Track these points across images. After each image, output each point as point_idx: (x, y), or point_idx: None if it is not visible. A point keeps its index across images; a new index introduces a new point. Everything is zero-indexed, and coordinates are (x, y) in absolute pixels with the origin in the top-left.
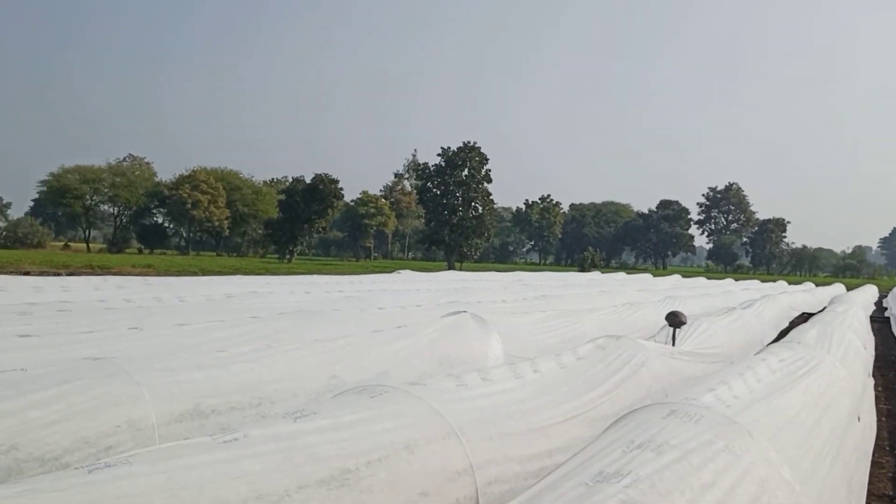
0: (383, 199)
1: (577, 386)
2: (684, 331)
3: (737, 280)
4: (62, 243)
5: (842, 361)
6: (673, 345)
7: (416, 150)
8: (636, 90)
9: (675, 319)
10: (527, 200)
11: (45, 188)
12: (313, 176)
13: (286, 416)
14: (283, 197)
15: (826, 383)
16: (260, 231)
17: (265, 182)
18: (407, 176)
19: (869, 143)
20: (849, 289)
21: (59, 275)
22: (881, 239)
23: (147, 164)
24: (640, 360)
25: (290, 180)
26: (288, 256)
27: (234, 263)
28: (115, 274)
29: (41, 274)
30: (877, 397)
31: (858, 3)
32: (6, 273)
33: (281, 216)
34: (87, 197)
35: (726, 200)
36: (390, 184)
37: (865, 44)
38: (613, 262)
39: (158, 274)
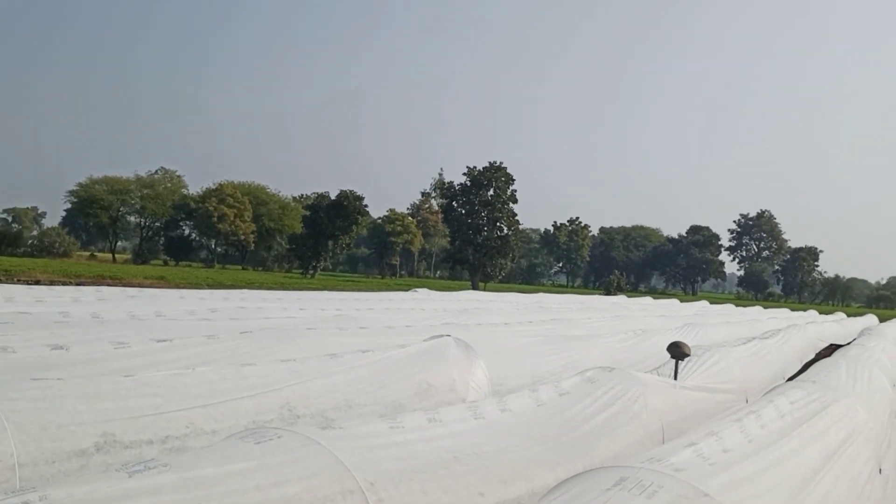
0: (410, 217)
1: (553, 427)
2: (694, 362)
3: (766, 308)
4: (88, 253)
5: (864, 403)
6: (675, 378)
7: (442, 169)
8: (666, 112)
9: (677, 350)
10: (555, 222)
11: (74, 199)
12: (338, 192)
13: (121, 468)
14: (307, 213)
15: (842, 429)
16: (285, 246)
17: (293, 198)
18: (434, 195)
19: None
20: (882, 320)
21: (68, 284)
22: None
23: (178, 176)
24: (635, 395)
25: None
26: (311, 272)
27: (254, 277)
28: (125, 285)
29: (51, 283)
30: None
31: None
32: (18, 281)
33: (305, 231)
34: (115, 208)
35: (758, 227)
36: (417, 202)
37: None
38: (642, 286)
39: (169, 286)
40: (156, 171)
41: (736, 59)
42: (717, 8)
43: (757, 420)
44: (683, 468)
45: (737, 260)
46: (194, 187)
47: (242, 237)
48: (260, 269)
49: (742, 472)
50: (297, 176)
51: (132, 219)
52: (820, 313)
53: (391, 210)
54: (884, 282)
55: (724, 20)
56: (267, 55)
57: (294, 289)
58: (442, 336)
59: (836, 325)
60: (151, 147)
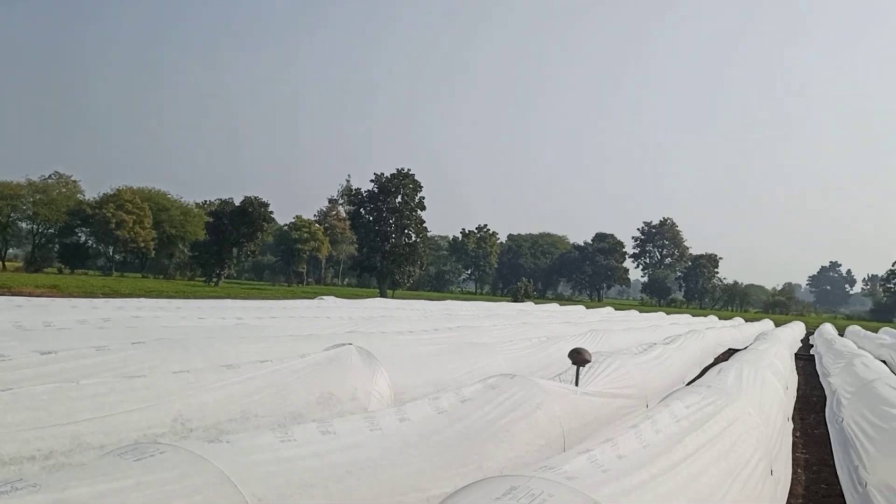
0: (317, 224)
1: (452, 435)
2: (596, 368)
3: (668, 314)
4: None
5: (757, 406)
6: (576, 384)
7: (349, 176)
8: (572, 122)
9: (578, 357)
10: (463, 230)
11: None
12: (243, 198)
13: None
14: (210, 219)
15: (736, 433)
16: (187, 253)
17: (196, 204)
18: (341, 202)
19: (801, 184)
20: (777, 325)
21: None
22: (810, 277)
23: (74, 181)
24: (536, 402)
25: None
26: (215, 280)
27: (154, 286)
28: (13, 294)
29: None
30: (794, 444)
31: (798, 53)
32: None
33: (208, 238)
34: (5, 213)
35: (661, 235)
36: (324, 209)
37: (798, 90)
38: (549, 293)
39: (62, 295)
40: (49, 176)
41: (636, 66)
42: (602, 10)
43: (652, 425)
44: (576, 476)
45: (641, 267)
46: (91, 193)
47: (142, 244)
48: (161, 277)
49: (635, 478)
50: (201, 182)
51: (24, 225)
52: (719, 318)
53: (298, 217)
54: (779, 288)
55: (617, 24)
56: (166, 58)
57: (195, 297)
58: (344, 345)
59: (734, 331)
60: (45, 152)
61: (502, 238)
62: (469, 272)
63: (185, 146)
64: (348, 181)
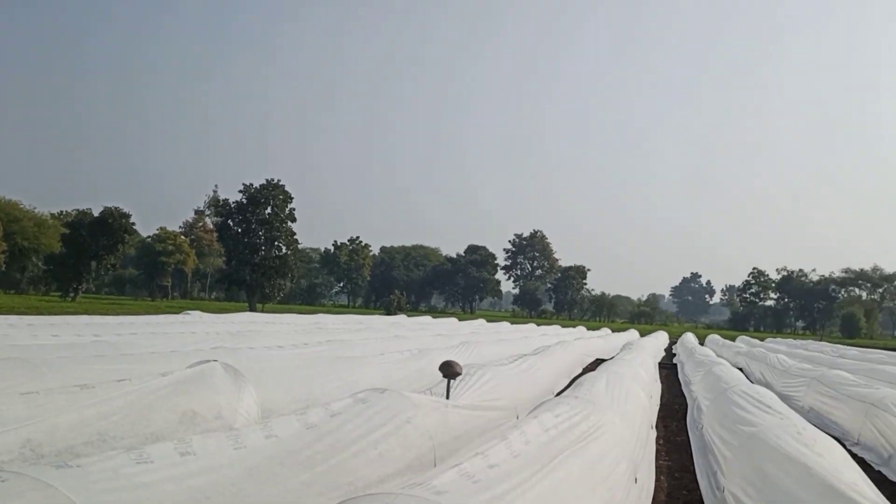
0: (183, 237)
1: (321, 452)
2: (467, 381)
3: (539, 325)
4: None
5: (622, 416)
6: (447, 397)
7: (216, 186)
8: (444, 134)
9: (449, 370)
10: (335, 242)
11: None
12: (102, 209)
13: None
14: (67, 231)
15: (602, 442)
16: (41, 267)
17: (51, 214)
18: (208, 213)
19: (663, 198)
20: (643, 334)
21: None
22: (673, 288)
23: None
24: (407, 416)
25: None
26: (72, 294)
27: (4, 302)
28: None
29: None
30: (658, 451)
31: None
32: None
33: (64, 251)
34: None
35: (532, 247)
36: (190, 220)
37: (659, 99)
38: (422, 305)
39: None
40: None
41: (507, 82)
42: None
43: (522, 436)
44: (446, 490)
45: (512, 279)
46: None
47: None
48: (12, 291)
49: (505, 489)
50: (56, 192)
51: None
52: (588, 329)
53: (162, 228)
54: (644, 298)
55: (461, 34)
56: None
57: (50, 313)
58: (209, 361)
59: (601, 341)
60: None
61: (375, 250)
62: (341, 285)
63: (39, 154)
64: (215, 192)
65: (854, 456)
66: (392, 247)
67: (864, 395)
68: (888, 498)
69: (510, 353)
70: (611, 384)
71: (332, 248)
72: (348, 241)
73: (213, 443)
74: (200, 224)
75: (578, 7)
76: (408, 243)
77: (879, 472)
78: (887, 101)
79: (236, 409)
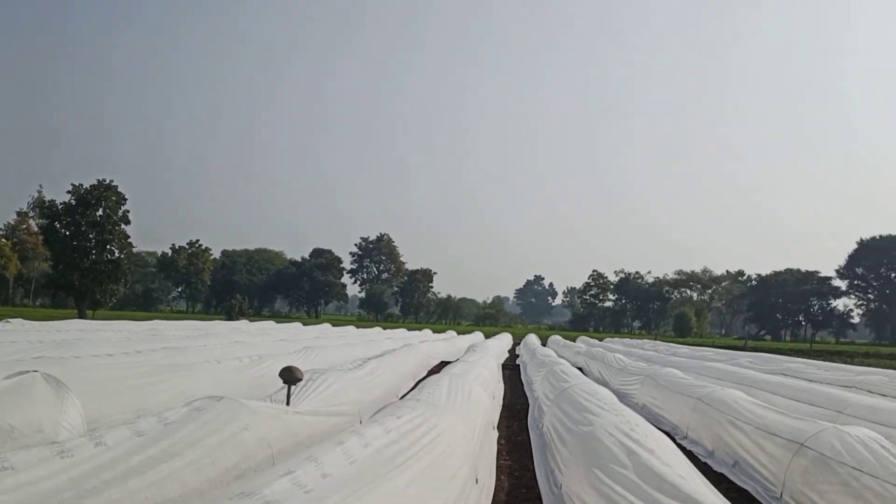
0: (4, 240)
1: (153, 457)
2: (309, 386)
3: (385, 328)
4: None
5: (464, 417)
6: (287, 403)
7: (41, 186)
8: (290, 135)
9: (290, 375)
10: (173, 245)
11: None
12: None
13: None
14: None
15: (443, 443)
16: None
17: None
18: (32, 214)
19: (507, 202)
20: (487, 336)
21: None
22: (517, 290)
23: None
24: (243, 424)
25: None
26: None
27: None
28: None
29: None
30: (499, 451)
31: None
32: None
33: None
34: None
35: (378, 250)
36: (13, 222)
37: (487, 112)
38: (266, 310)
39: None
40: None
41: (355, 81)
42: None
43: (361, 440)
44: (276, 500)
45: (358, 282)
46: None
47: None
48: None
49: (342, 495)
50: None
51: None
52: (434, 332)
53: None
54: (489, 301)
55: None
56: None
57: None
58: (28, 372)
59: (446, 343)
60: None
61: (216, 254)
62: (180, 290)
63: None
64: (40, 192)
65: (683, 449)
66: (234, 250)
67: (691, 391)
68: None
69: (355, 358)
70: (453, 386)
71: (169, 252)
72: (187, 244)
73: (34, 456)
74: (24, 226)
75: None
76: (250, 247)
77: (706, 463)
78: (708, 111)
79: (58, 423)
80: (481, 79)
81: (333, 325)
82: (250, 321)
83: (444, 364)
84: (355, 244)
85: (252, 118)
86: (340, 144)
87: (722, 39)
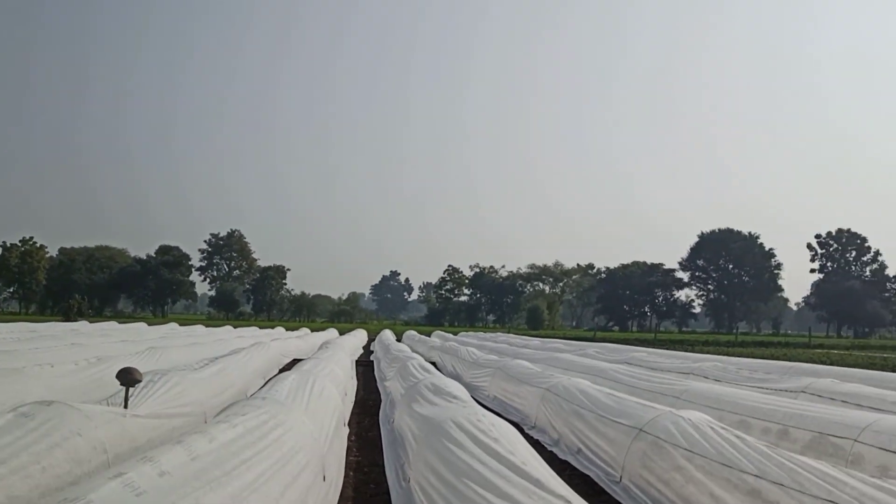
0: None
1: None
2: (150, 388)
3: (235, 327)
4: None
5: (312, 415)
6: (125, 406)
7: None
8: (133, 125)
9: (127, 377)
10: (4, 243)
11: None
12: None
13: None
14: None
15: (291, 442)
16: None
17: None
18: None
19: (358, 196)
20: (342, 333)
21: None
22: (373, 286)
23: None
24: (77, 428)
25: None
26: None
27: None
28: None
29: None
30: (349, 447)
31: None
32: None
33: None
34: None
35: (228, 247)
36: None
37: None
38: (108, 310)
39: None
40: None
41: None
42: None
43: (203, 439)
44: None
45: (208, 280)
46: None
47: None
48: None
49: (178, 494)
50: None
51: None
52: (287, 329)
53: None
54: (344, 297)
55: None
56: None
57: None
58: None
59: (299, 341)
60: None
61: (52, 252)
62: (12, 290)
63: None
64: None
65: (531, 438)
66: (73, 248)
67: (539, 381)
68: (557, 474)
69: (203, 357)
70: (302, 383)
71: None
72: (20, 241)
73: None
74: None
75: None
76: (91, 244)
77: (552, 451)
78: (556, 104)
79: None
80: (340, 74)
81: (181, 325)
82: (90, 322)
83: (296, 362)
84: (205, 241)
85: (90, 106)
86: (187, 137)
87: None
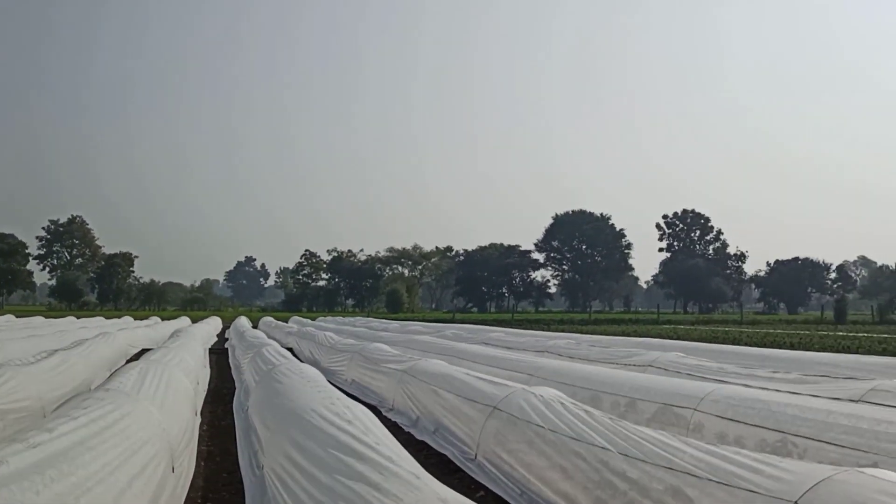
0: None
1: None
2: None
3: (79, 317)
4: None
5: (160, 405)
6: None
7: None
8: None
9: None
10: None
11: None
12: None
13: None
14: None
15: (137, 433)
16: None
17: None
18: None
19: (209, 185)
20: (195, 321)
21: None
22: (227, 272)
23: None
24: None
25: None
26: None
27: None
28: None
29: None
30: (201, 437)
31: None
32: None
33: None
34: None
35: (70, 234)
36: None
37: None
38: None
39: None
40: None
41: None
42: None
43: (41, 434)
44: None
45: (48, 269)
46: None
47: None
48: None
49: (20, 487)
50: None
51: None
52: (136, 319)
53: None
54: (197, 284)
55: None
56: None
57: None
58: None
59: (148, 330)
60: None
61: None
62: None
63: None
64: None
65: (389, 421)
66: None
67: (397, 364)
68: (413, 454)
69: (42, 349)
70: (150, 373)
71: None
72: None
73: None
74: None
75: None
76: None
77: (409, 433)
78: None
79: None
80: (192, 60)
81: (18, 317)
82: None
83: (144, 352)
84: (43, 227)
85: None
86: (12, 117)
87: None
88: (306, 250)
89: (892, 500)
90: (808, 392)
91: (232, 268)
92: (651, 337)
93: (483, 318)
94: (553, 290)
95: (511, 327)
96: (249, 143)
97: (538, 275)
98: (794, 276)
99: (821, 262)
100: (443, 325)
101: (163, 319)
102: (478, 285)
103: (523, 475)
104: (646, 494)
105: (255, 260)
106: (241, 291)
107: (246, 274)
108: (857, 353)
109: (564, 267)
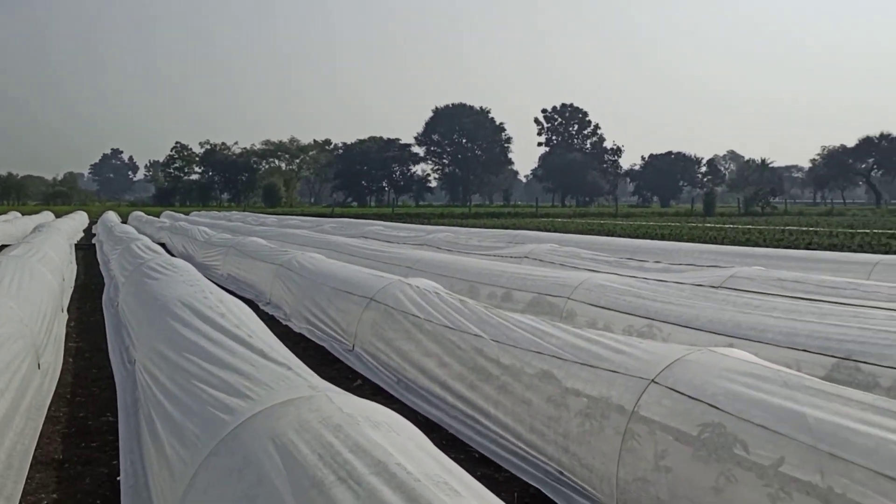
0: None
1: None
2: None
3: None
4: None
5: (22, 301)
6: None
7: None
8: None
9: None
10: None
11: None
12: None
13: None
14: None
15: None
16: None
17: None
18: None
19: (71, 64)
20: (59, 216)
21: None
22: (92, 165)
23: None
24: None
25: None
26: None
27: None
28: None
29: None
30: (69, 333)
31: None
32: None
33: None
34: None
35: None
36: None
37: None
38: None
39: None
40: None
41: None
42: None
43: None
44: None
45: None
46: None
47: None
48: None
49: None
50: None
51: None
52: None
53: None
54: (60, 178)
55: None
56: None
57: None
58: None
59: (7, 225)
60: None
61: None
62: None
63: None
64: None
65: (266, 314)
66: None
67: (273, 258)
68: (290, 347)
69: None
70: (9, 268)
71: None
72: None
73: None
74: None
75: None
76: None
77: (287, 325)
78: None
79: None
80: None
81: None
82: None
83: (4, 248)
84: None
85: None
86: None
87: None
88: (177, 142)
89: (738, 375)
90: (674, 280)
91: (97, 160)
92: (529, 230)
93: (363, 213)
94: (433, 184)
95: (391, 221)
96: (123, 20)
97: (418, 169)
98: (667, 170)
99: (693, 157)
100: (322, 220)
101: (23, 215)
102: (357, 179)
103: (399, 364)
104: (518, 378)
105: (122, 152)
106: (109, 185)
107: (113, 167)
108: (722, 243)
109: (445, 161)
